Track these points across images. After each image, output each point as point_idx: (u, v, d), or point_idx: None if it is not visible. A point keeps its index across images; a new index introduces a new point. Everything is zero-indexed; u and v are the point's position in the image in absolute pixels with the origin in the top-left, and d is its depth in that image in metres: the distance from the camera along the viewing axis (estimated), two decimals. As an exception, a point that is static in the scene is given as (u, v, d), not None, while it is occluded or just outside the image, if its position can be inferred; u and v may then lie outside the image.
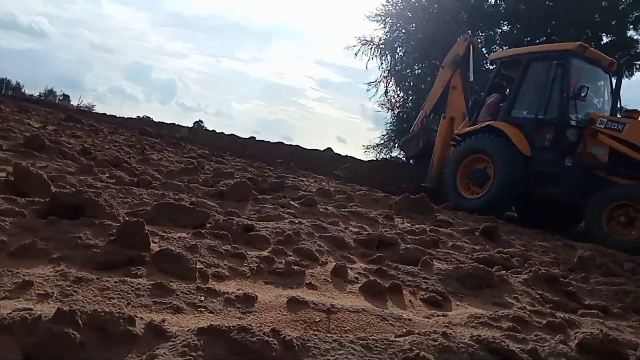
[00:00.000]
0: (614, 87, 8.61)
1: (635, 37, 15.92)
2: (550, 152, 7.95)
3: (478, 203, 8.20)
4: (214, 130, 20.49)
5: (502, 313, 1.88)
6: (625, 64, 8.66)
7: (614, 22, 15.66)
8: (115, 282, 1.55)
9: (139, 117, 23.61)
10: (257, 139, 18.11)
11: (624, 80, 9.63)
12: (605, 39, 15.92)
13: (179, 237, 2.14)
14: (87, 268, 1.66)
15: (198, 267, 1.83)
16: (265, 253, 2.20)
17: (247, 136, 18.41)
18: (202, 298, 1.58)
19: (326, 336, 1.30)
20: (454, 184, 8.85)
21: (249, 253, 2.14)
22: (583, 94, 7.67)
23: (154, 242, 1.99)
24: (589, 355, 1.49)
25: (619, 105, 8.65)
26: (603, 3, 15.54)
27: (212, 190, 3.92)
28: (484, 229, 4.07)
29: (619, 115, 8.24)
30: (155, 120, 22.38)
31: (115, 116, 20.84)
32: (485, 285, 2.32)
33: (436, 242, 3.13)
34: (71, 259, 1.72)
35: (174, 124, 20.55)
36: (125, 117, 21.39)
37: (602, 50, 9.12)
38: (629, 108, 8.44)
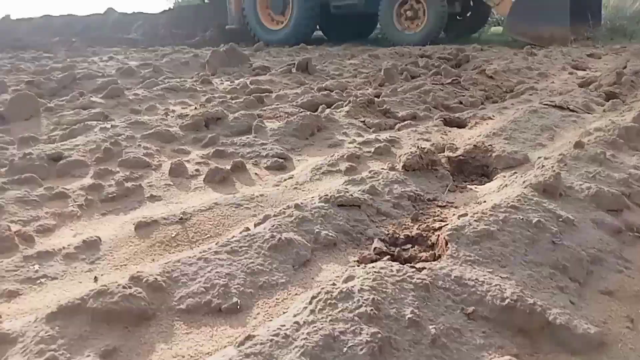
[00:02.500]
0: None
1: None
2: (338, -39, 7.96)
3: (286, 33, 8.19)
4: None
5: (338, 155, 2.04)
6: None
7: None
8: None
9: None
10: (13, 18, 14.53)
11: None
12: None
13: (-29, 202, 1.75)
14: None
15: (14, 230, 1.56)
16: (88, 180, 1.95)
17: (-3, 18, 14.62)
18: (37, 267, 1.38)
19: (189, 257, 1.27)
20: (258, 19, 8.57)
21: (68, 188, 1.87)
22: None
23: (-59, 221, 1.60)
24: (414, 171, 1.74)
25: None
26: None
27: (-14, 115, 3.18)
28: (299, 64, 4.13)
29: None
30: None
31: None
32: (316, 130, 2.44)
33: (261, 99, 3.11)
34: None
35: None
36: None
37: None
38: None
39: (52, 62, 5.99)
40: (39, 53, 7.43)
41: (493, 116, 2.64)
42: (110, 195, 1.82)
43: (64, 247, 1.47)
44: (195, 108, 2.92)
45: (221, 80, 4.06)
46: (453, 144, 2.08)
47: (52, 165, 2.08)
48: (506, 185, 1.67)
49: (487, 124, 2.51)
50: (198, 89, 3.69)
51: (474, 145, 1.96)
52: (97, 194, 1.84)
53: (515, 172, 1.81)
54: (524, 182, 1.57)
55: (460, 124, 2.54)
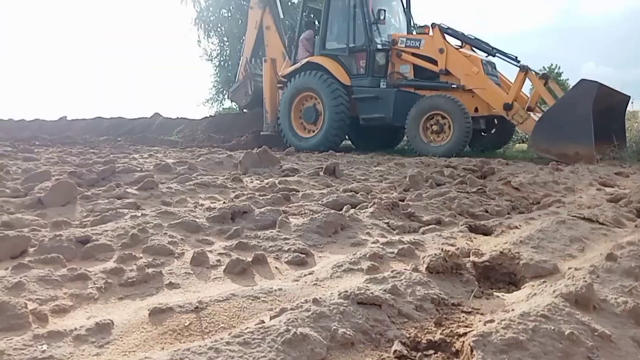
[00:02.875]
0: (404, 5, 9.49)
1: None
2: (366, 77, 8.60)
3: (316, 140, 8.61)
4: (11, 119, 17.27)
5: (360, 254, 2.02)
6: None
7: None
8: None
9: None
10: (69, 118, 15.92)
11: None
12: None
13: (-5, 278, 1.78)
14: None
15: (30, 309, 1.55)
16: (110, 264, 1.97)
17: (56, 118, 16.04)
18: (45, 347, 1.35)
19: (199, 346, 1.23)
20: (291, 126, 9.10)
21: (90, 270, 1.89)
22: (382, 17, 8.31)
23: (-38, 296, 1.62)
24: (438, 274, 1.69)
25: (412, 24, 9.63)
26: None
27: (28, 199, 3.34)
28: (326, 168, 4.28)
29: (414, 33, 9.20)
30: None
31: None
32: (339, 228, 2.45)
33: (288, 197, 3.19)
34: None
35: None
36: None
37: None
38: (420, 24, 9.46)
39: (95, 157, 6.39)
40: (85, 149, 7.98)
41: (520, 225, 2.61)
42: (129, 280, 1.82)
43: (75, 329, 1.44)
44: (224, 202, 3.00)
45: (251, 179, 4.21)
46: (479, 249, 2.03)
47: (79, 247, 2.13)
48: (535, 294, 1.60)
49: (513, 232, 2.47)
50: (228, 185, 3.82)
51: (501, 252, 1.92)
52: (117, 278, 1.84)
53: (545, 282, 1.73)
54: (554, 291, 1.49)
55: (486, 232, 2.51)
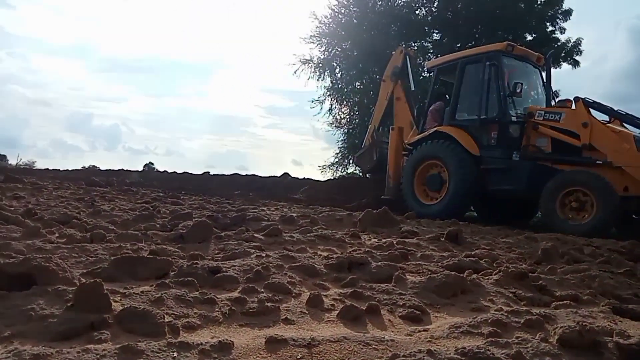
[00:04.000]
0: (544, 80, 9.12)
1: (555, 33, 17.11)
2: (498, 149, 8.26)
3: (438, 208, 8.38)
4: (165, 171, 19.95)
5: (481, 318, 1.89)
6: (551, 57, 9.20)
7: (533, 22, 16.74)
8: (78, 352, 1.44)
9: (84, 167, 22.61)
10: (211, 173, 17.82)
11: (553, 72, 10.23)
12: (529, 37, 16.94)
13: (142, 292, 2.03)
14: (44, 341, 1.53)
15: (166, 320, 1.73)
16: (235, 294, 2.11)
17: (200, 172, 18.08)
18: (175, 354, 1.49)
19: (311, 375, 1.25)
20: (413, 192, 9.01)
21: (218, 296, 2.06)
22: (518, 90, 8.07)
23: (116, 301, 1.87)
24: (571, 348, 1.51)
25: (552, 96, 9.17)
26: (521, 5, 16.59)
27: (172, 234, 3.78)
28: (448, 233, 4.13)
29: (553, 106, 8.72)
30: (102, 168, 21.54)
31: (59, 170, 19.93)
32: (459, 291, 2.33)
33: (405, 255, 3.14)
34: (25, 334, 1.58)
35: (122, 169, 19.90)
36: (70, 169, 20.50)
37: (528, 47, 9.65)
38: (561, 98, 8.95)
39: (230, 206, 7.01)
40: (222, 199, 8.81)
41: (682, 316, 2.21)
42: (251, 310, 1.94)
43: (201, 344, 1.56)
44: (342, 253, 3.06)
45: (369, 237, 4.24)
46: (625, 331, 1.77)
47: (210, 276, 2.33)
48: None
49: (672, 321, 2.10)
50: (346, 240, 3.89)
51: (654, 337, 1.64)
52: (241, 306, 1.97)
53: None
54: None
55: (635, 316, 2.17)
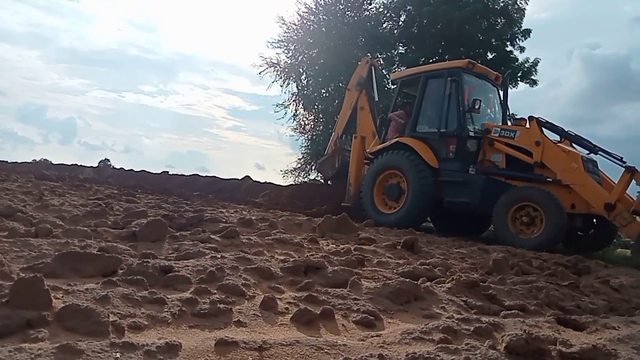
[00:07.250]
0: (501, 98, 9.47)
1: (514, 53, 17.87)
2: (455, 162, 8.49)
3: (396, 217, 8.50)
4: (122, 168, 19.33)
5: (433, 325, 1.91)
6: (509, 76, 9.58)
7: (493, 40, 17.41)
8: (10, 351, 1.34)
9: (35, 160, 21.58)
10: (170, 173, 17.40)
11: (510, 92, 10.65)
12: (489, 55, 17.59)
13: (86, 289, 1.93)
14: (-26, 341, 1.42)
15: (111, 320, 1.65)
16: (187, 294, 2.05)
17: (159, 171, 17.62)
18: (118, 355, 1.41)
19: (260, 379, 1.21)
20: (372, 201, 9.11)
21: (168, 297, 1.98)
22: (477, 106, 8.34)
23: (57, 298, 1.77)
24: (517, 356, 1.54)
25: (508, 115, 9.52)
26: (483, 24, 17.22)
27: (124, 232, 3.64)
28: (405, 242, 4.19)
29: (509, 124, 9.06)
30: (54, 162, 20.63)
31: (7, 162, 18.93)
32: (413, 298, 2.35)
33: (362, 261, 3.15)
34: (-47, 333, 1.47)
35: (76, 164, 19.12)
36: (19, 161, 19.50)
37: (488, 66, 10.00)
38: (517, 117, 9.32)
39: (187, 207, 6.84)
40: (180, 200, 8.59)
41: (618, 327, 2.32)
42: (202, 311, 1.88)
43: (147, 345, 1.50)
44: (299, 257, 3.04)
45: (327, 243, 4.24)
46: (567, 340, 1.84)
47: (161, 275, 2.25)
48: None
49: (610, 332, 2.20)
50: (305, 245, 3.87)
51: (594, 346, 1.71)
52: (191, 307, 1.91)
53: (648, 387, 1.50)
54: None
55: (578, 327, 2.26)
